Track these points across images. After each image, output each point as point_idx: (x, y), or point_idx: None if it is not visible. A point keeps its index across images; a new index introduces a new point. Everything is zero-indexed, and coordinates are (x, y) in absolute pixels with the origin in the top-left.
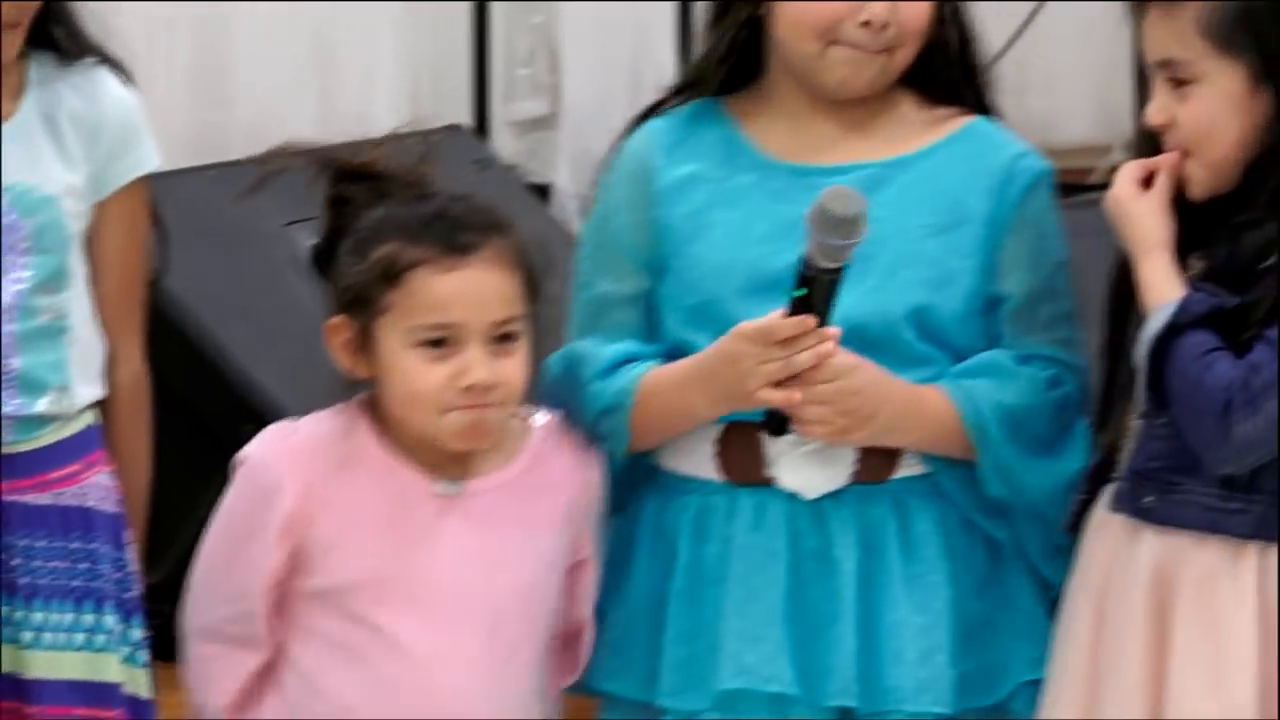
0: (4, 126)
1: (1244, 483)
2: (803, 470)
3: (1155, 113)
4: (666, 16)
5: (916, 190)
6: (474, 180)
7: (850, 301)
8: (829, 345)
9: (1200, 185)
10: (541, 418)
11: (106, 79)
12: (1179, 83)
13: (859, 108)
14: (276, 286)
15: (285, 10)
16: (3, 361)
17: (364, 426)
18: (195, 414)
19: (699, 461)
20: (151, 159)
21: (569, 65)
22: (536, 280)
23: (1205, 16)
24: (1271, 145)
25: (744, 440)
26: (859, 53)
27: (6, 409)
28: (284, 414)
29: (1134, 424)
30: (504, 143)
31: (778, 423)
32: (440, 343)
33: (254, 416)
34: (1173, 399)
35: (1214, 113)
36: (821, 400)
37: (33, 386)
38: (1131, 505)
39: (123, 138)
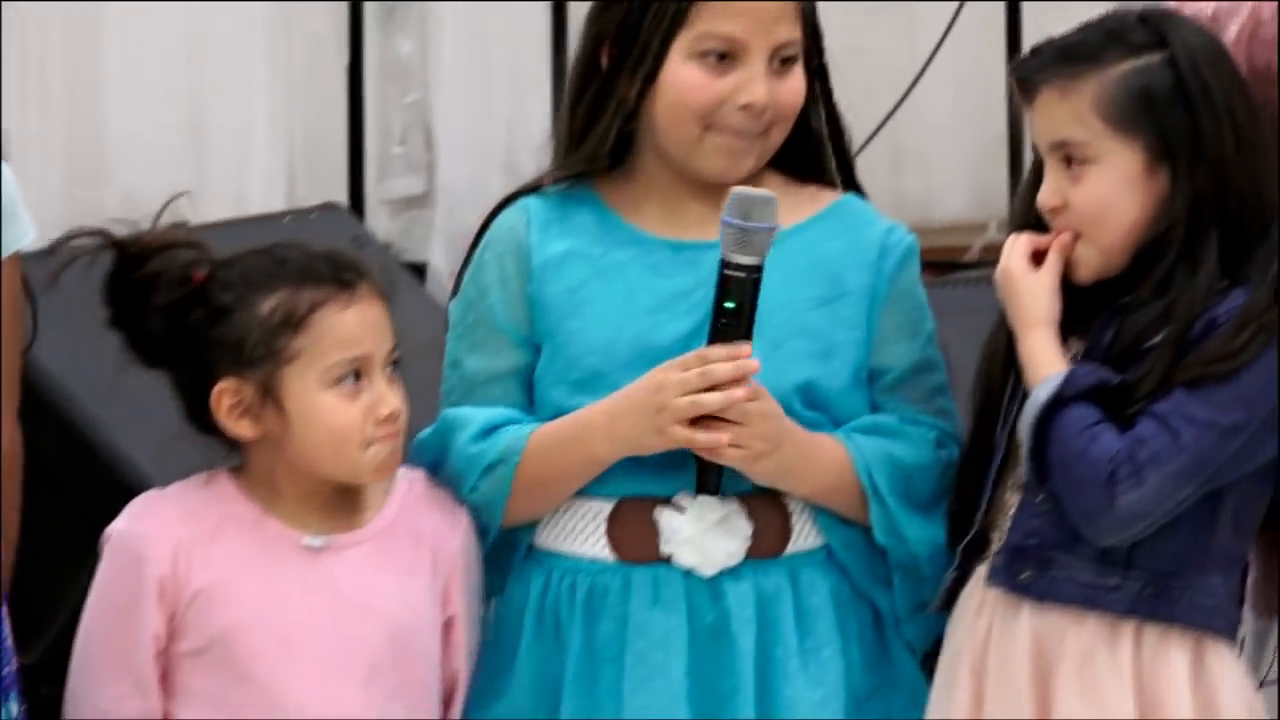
0: None
1: (1120, 559)
2: (700, 546)
3: (1048, 195)
4: (542, 96)
5: (796, 263)
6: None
7: None
8: (753, 363)
9: (1089, 268)
10: (404, 472)
11: None
12: (1073, 164)
13: (724, 188)
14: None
15: (159, 86)
16: None
17: (229, 489)
18: (68, 490)
19: (586, 542)
20: (28, 234)
21: (444, 143)
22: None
23: (1103, 96)
24: (1165, 229)
25: (638, 518)
26: (737, 140)
27: None
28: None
29: (1009, 499)
30: (379, 221)
31: (707, 476)
32: (355, 377)
33: (129, 492)
34: (1056, 471)
35: (1109, 194)
36: (740, 419)
37: None
38: (1009, 581)
39: (10, 216)
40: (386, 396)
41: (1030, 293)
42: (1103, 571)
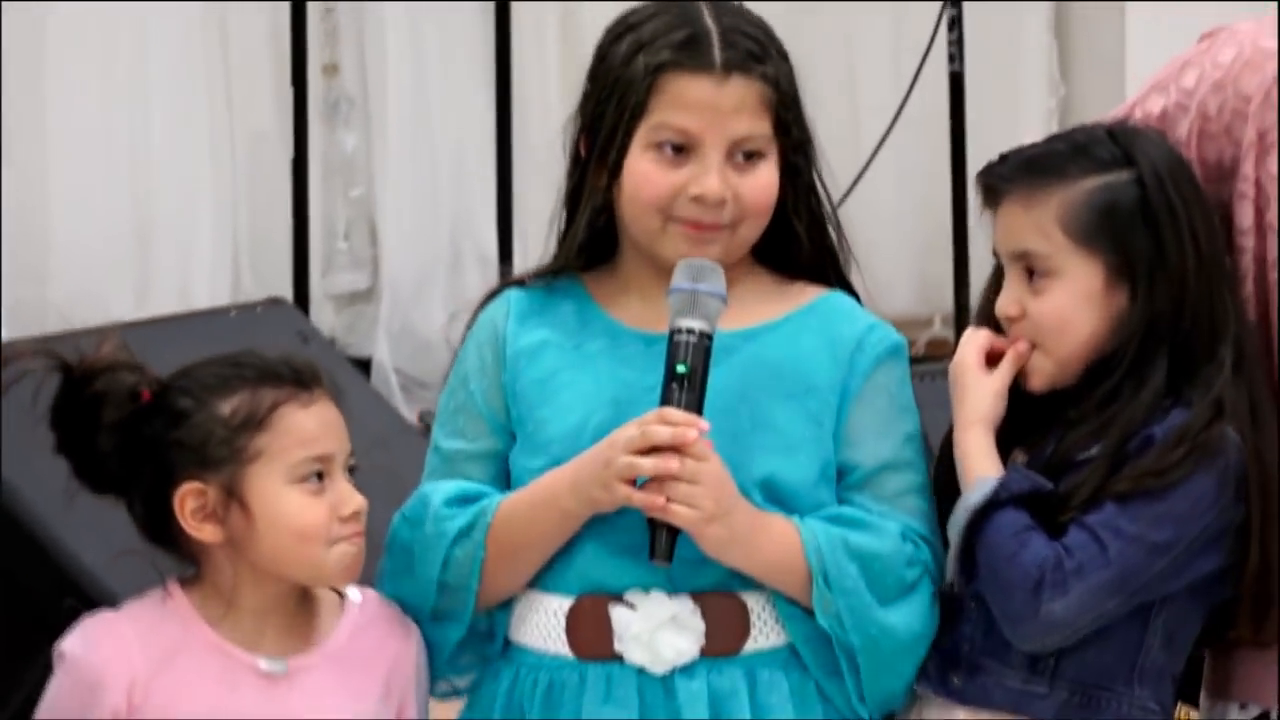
0: None
1: (1049, 669)
2: (650, 644)
3: (1008, 304)
4: (487, 189)
5: (766, 358)
6: (296, 352)
7: None
8: (692, 433)
9: (1042, 378)
10: (355, 592)
11: None
12: (1034, 276)
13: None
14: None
15: (103, 184)
16: None
17: (183, 609)
18: (16, 589)
19: (548, 636)
20: None
21: (388, 239)
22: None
23: (1068, 211)
24: (1120, 343)
25: (593, 614)
26: (696, 231)
27: None
28: (105, 589)
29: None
30: (324, 316)
31: (657, 540)
32: (318, 476)
33: (76, 591)
34: (984, 573)
35: (1069, 308)
36: (692, 479)
37: None
38: (942, 685)
39: None
40: (350, 495)
41: (976, 391)
42: (1030, 679)
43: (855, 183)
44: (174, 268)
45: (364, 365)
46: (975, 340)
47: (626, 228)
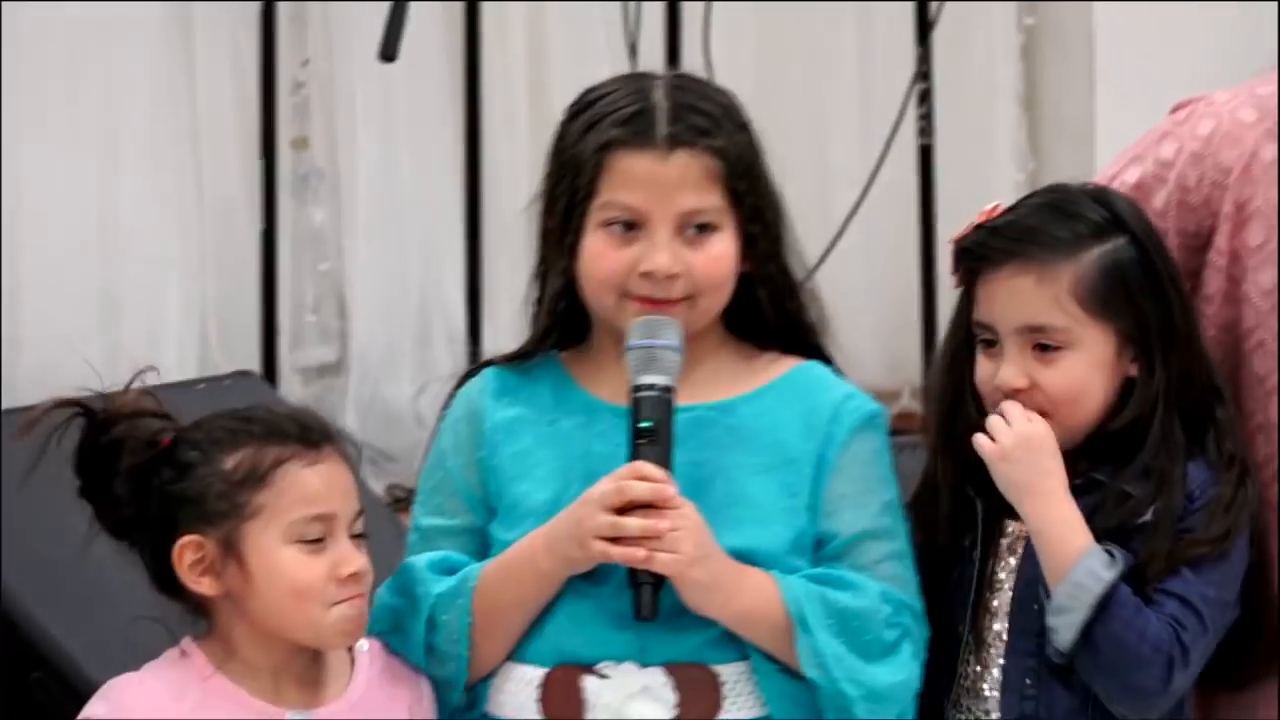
0: None
1: None
2: (622, 714)
3: (1014, 377)
4: (455, 264)
5: (742, 432)
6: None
7: None
8: (670, 489)
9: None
10: (364, 644)
11: None
12: (1046, 348)
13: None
14: (63, 528)
15: (74, 256)
16: None
17: (202, 665)
18: None
19: (522, 707)
20: None
21: (356, 312)
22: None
23: (1081, 283)
24: (1139, 410)
25: (565, 684)
26: (652, 306)
27: None
28: (73, 660)
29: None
30: (292, 389)
31: (640, 597)
32: (317, 538)
33: (43, 665)
34: (1107, 647)
35: (1084, 378)
36: (674, 526)
37: None
38: None
39: None
40: (351, 556)
41: (1059, 460)
42: None
43: (825, 255)
44: (142, 340)
45: None
46: (1023, 410)
47: (590, 307)
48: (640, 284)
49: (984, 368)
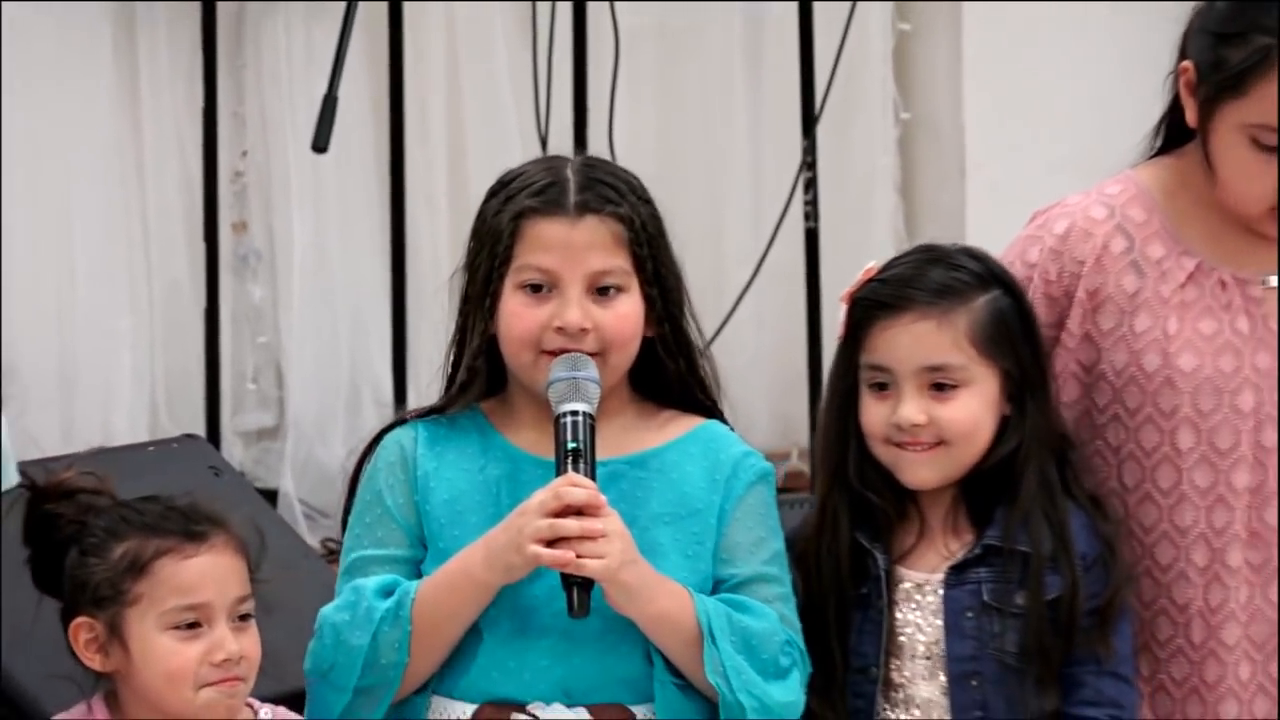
0: None
1: None
2: None
3: (915, 414)
4: (382, 336)
5: (650, 484)
6: (210, 484)
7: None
8: (602, 498)
9: (938, 476)
10: (266, 710)
11: None
12: (943, 387)
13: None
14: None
15: (33, 329)
16: None
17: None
18: None
19: None
20: (14, 473)
21: (292, 380)
22: (254, 564)
23: (973, 326)
24: (1009, 449)
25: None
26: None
27: None
28: (35, 704)
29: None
30: (234, 451)
31: (573, 596)
32: (192, 624)
33: (9, 704)
34: None
35: (978, 414)
36: (605, 531)
37: None
38: None
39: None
40: (224, 642)
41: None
42: None
43: (720, 328)
44: (96, 406)
45: (271, 495)
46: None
47: (508, 364)
48: (554, 339)
49: (874, 410)
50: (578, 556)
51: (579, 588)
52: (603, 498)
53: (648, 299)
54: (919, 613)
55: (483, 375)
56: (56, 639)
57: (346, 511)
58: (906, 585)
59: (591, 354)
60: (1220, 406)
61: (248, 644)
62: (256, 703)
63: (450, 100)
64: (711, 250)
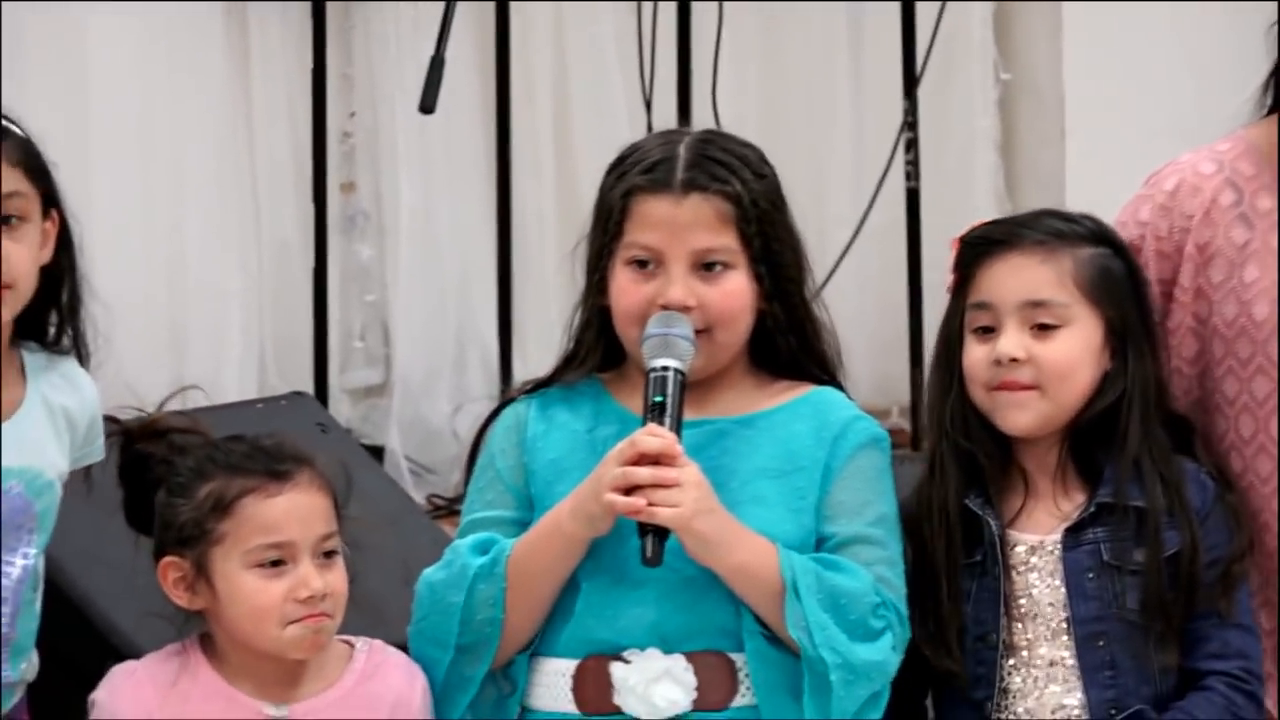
0: (17, 411)
1: None
2: (645, 696)
3: (1014, 347)
4: (488, 295)
5: (757, 441)
6: (317, 441)
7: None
8: (677, 446)
9: (1035, 420)
10: (363, 643)
11: (81, 373)
12: (1043, 326)
13: (702, 384)
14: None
15: (143, 290)
16: (3, 631)
17: (196, 658)
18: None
19: (557, 697)
20: (102, 449)
21: (399, 339)
22: (341, 501)
23: (1078, 269)
24: (1112, 400)
25: (596, 672)
26: None
27: (5, 678)
28: (141, 652)
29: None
30: (341, 408)
31: (650, 542)
32: (276, 562)
33: (116, 655)
34: None
35: (1077, 355)
36: (680, 480)
37: (18, 653)
38: None
39: (93, 430)
40: (308, 579)
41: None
42: None
43: (821, 287)
44: (206, 365)
45: (378, 452)
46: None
47: (620, 338)
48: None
49: (976, 351)
50: (650, 505)
51: (653, 536)
52: (679, 447)
53: (756, 276)
54: (1036, 575)
55: (592, 348)
56: (152, 578)
57: (467, 482)
58: (1020, 549)
59: (698, 331)
60: None
61: (334, 580)
62: (354, 639)
63: (555, 63)
64: (814, 211)
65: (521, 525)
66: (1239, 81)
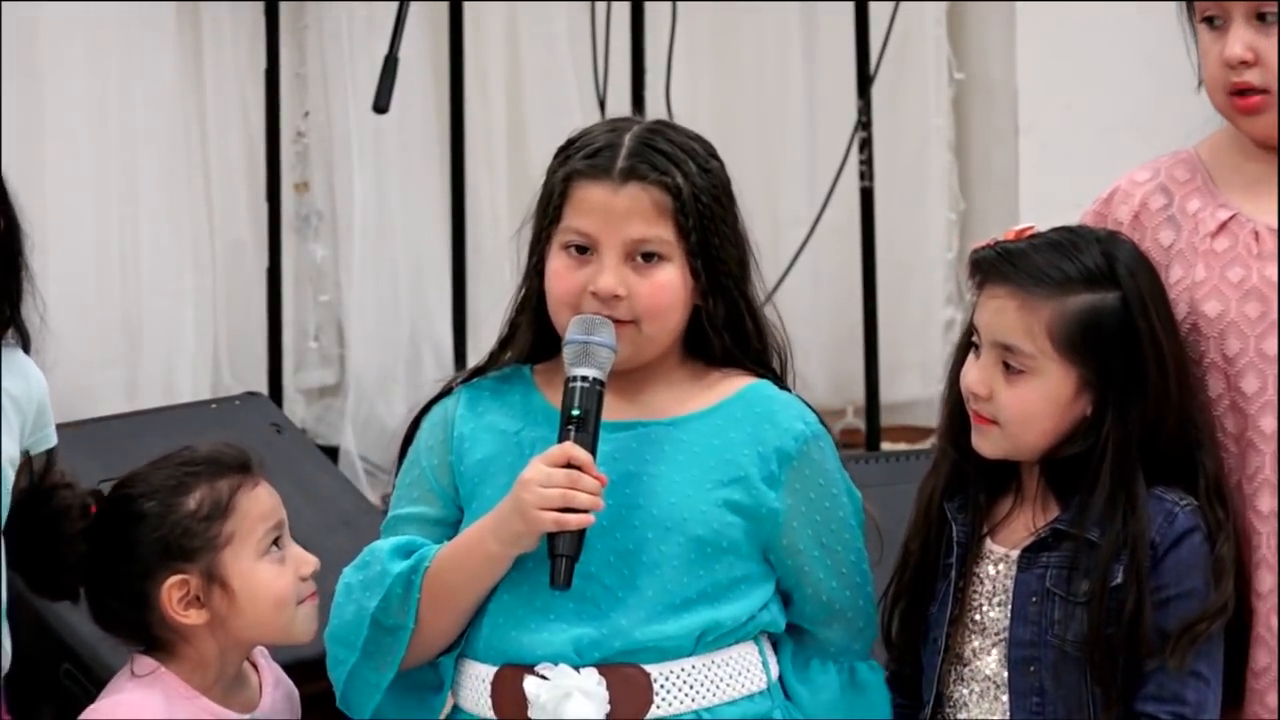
0: None
1: None
2: (558, 712)
3: (977, 383)
4: (442, 294)
5: (692, 448)
6: (272, 441)
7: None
8: (599, 485)
9: (996, 450)
10: (261, 651)
11: (27, 361)
12: (1010, 367)
13: (633, 375)
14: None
15: (96, 290)
16: None
17: (169, 679)
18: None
19: (478, 702)
20: (54, 435)
21: (354, 339)
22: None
23: (1057, 322)
24: (1086, 448)
25: (511, 683)
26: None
27: None
28: (98, 656)
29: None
30: (296, 409)
31: (562, 566)
32: (277, 543)
33: (73, 658)
34: None
35: (1037, 406)
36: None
37: None
38: None
39: (42, 417)
40: (305, 556)
41: None
42: None
43: (775, 288)
44: (160, 365)
45: (332, 453)
46: None
47: (554, 323)
48: (590, 302)
49: (967, 367)
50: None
51: (564, 559)
52: (591, 461)
53: (692, 271)
54: (993, 588)
55: (526, 332)
56: None
57: (397, 473)
58: (987, 561)
59: (626, 321)
60: (1245, 351)
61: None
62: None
63: (510, 61)
64: (768, 210)
65: (444, 524)
66: (1193, 80)
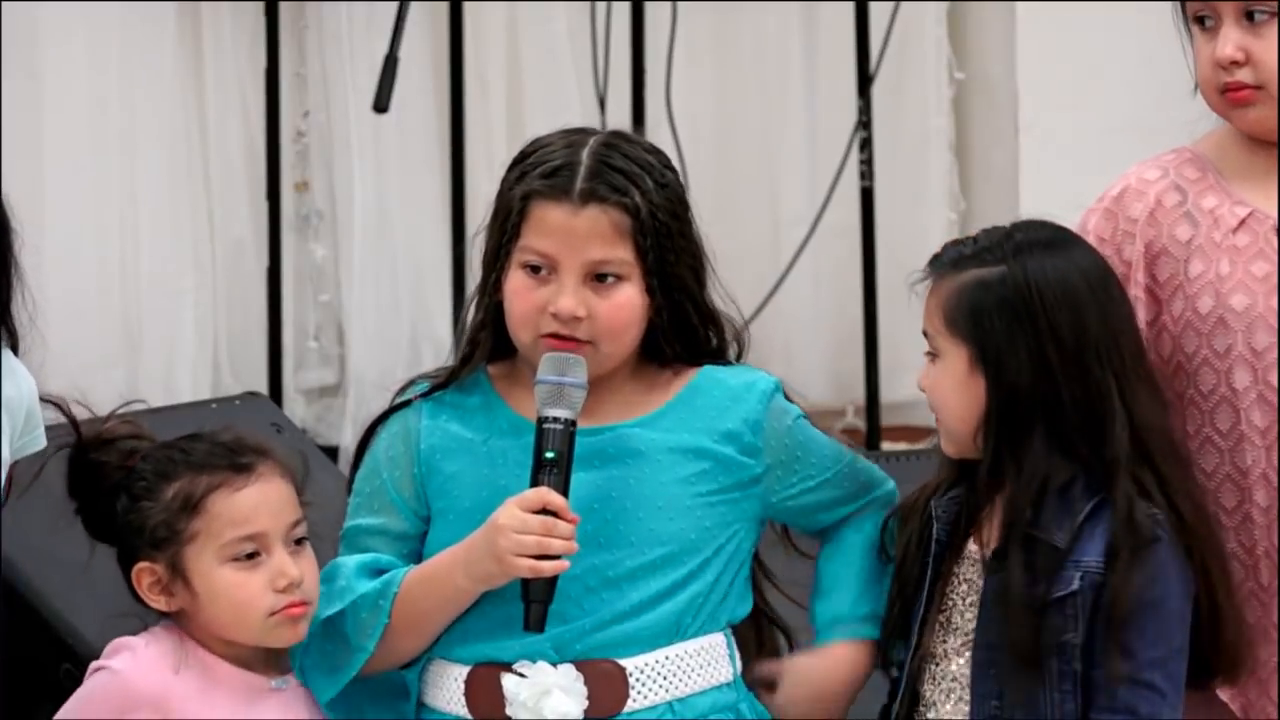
0: None
1: None
2: (537, 708)
3: (921, 377)
4: (442, 294)
5: (662, 445)
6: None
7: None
8: (569, 529)
9: (946, 446)
10: None
11: (16, 363)
12: (933, 357)
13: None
14: (82, 535)
15: (98, 289)
16: None
17: (186, 640)
18: (17, 657)
19: (451, 701)
20: (43, 438)
21: (354, 339)
22: (300, 488)
23: (945, 301)
24: (992, 428)
25: (487, 682)
26: (560, 344)
27: None
28: (98, 654)
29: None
30: (296, 408)
31: (532, 610)
32: (251, 555)
33: (72, 657)
34: None
35: (945, 387)
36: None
37: None
38: None
39: (31, 420)
40: (284, 568)
41: None
42: None
43: (776, 286)
44: (160, 365)
45: (332, 452)
46: None
47: (512, 336)
48: (549, 323)
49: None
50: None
51: (538, 605)
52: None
53: (648, 288)
54: (966, 588)
55: (486, 346)
56: (114, 580)
57: (352, 480)
58: (969, 559)
59: (584, 341)
60: (1274, 345)
61: (306, 567)
62: None
63: (510, 61)
64: (768, 210)
65: (406, 538)
66: (1193, 80)
